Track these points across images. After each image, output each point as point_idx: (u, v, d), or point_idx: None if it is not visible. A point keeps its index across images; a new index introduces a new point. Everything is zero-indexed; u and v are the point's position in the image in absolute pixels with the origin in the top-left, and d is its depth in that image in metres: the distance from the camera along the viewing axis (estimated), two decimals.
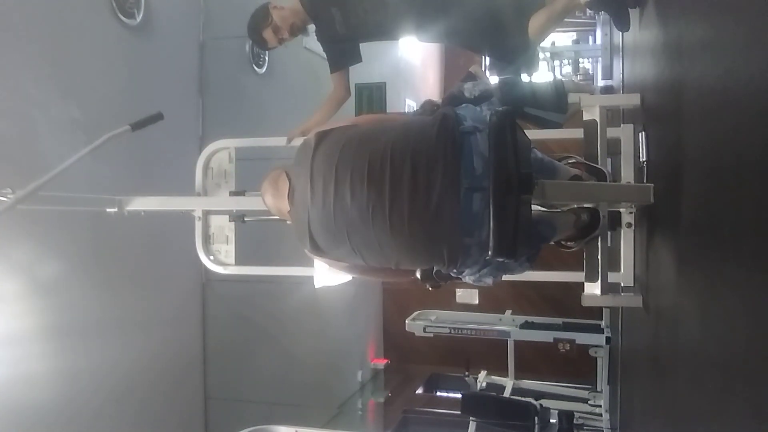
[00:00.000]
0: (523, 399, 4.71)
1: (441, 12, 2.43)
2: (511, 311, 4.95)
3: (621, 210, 2.23)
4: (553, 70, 7.89)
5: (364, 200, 1.49)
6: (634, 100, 2.27)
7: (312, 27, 2.56)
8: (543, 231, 1.89)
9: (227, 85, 4.40)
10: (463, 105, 1.65)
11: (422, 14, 2.44)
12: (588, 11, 5.45)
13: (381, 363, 7.64)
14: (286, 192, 1.67)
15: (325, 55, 2.58)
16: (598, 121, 2.11)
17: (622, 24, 2.27)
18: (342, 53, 2.56)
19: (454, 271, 1.62)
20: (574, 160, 2.12)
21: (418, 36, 2.62)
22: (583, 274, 2.11)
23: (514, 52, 2.45)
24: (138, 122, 2.18)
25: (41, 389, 2.77)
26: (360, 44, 2.56)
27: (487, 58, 2.87)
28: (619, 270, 2.32)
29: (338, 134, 1.64)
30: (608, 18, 2.36)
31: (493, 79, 2.37)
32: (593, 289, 2.09)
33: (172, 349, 3.73)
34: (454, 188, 1.45)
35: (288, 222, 1.76)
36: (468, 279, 1.65)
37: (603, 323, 4.61)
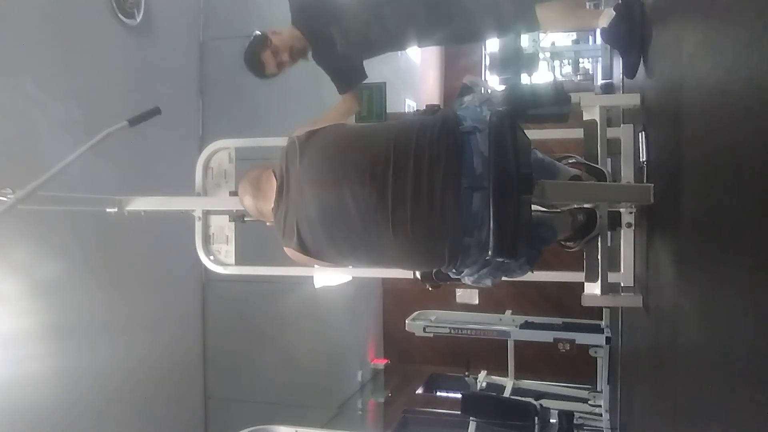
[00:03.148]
0: (523, 399, 4.71)
1: (445, 14, 2.39)
2: (511, 311, 4.95)
3: (621, 210, 2.23)
4: (553, 70, 7.89)
5: (365, 200, 1.47)
6: (634, 100, 2.27)
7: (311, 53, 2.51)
8: (544, 233, 1.89)
9: (227, 85, 4.40)
10: (464, 106, 1.65)
11: (427, 19, 2.38)
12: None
13: (381, 363, 7.65)
14: (269, 191, 1.62)
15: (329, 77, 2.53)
16: (598, 121, 2.11)
17: (628, 68, 2.21)
18: (348, 72, 2.51)
19: (454, 271, 1.62)
20: (574, 160, 2.12)
21: (420, 43, 2.57)
22: (583, 274, 2.11)
23: (515, 16, 2.41)
24: (135, 117, 2.15)
25: (41, 389, 2.77)
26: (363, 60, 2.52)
27: (488, 59, 2.87)
28: (619, 270, 2.32)
29: (332, 132, 1.60)
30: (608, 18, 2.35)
31: (493, 79, 2.36)
32: (593, 289, 2.08)
33: (172, 349, 3.73)
34: (455, 188, 1.44)
35: (267, 223, 1.71)
36: (467, 279, 1.65)
37: (603, 323, 4.61)
